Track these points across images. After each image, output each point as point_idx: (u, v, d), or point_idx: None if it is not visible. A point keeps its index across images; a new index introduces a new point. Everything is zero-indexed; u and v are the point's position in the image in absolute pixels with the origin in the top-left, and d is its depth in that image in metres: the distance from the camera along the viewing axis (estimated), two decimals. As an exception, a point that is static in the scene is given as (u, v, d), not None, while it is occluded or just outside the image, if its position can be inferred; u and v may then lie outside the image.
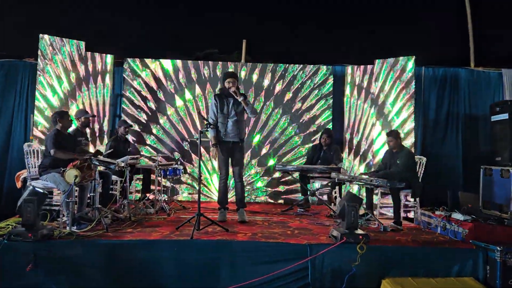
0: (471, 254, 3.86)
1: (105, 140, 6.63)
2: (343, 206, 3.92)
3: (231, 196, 5.98)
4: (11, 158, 6.51)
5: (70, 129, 4.95)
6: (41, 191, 3.91)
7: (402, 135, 6.27)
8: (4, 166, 6.47)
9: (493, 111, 6.23)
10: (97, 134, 6.66)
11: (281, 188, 6.89)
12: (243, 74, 6.94)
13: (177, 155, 6.72)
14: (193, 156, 6.86)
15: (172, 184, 6.64)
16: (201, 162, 4.65)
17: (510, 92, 6.72)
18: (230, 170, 5.13)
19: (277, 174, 6.86)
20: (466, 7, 7.08)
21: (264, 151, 6.94)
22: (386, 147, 5.68)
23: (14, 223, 4.29)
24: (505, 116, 5.94)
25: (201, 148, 4.72)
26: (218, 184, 5.15)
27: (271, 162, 6.88)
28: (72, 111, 6.14)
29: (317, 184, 6.29)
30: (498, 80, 6.88)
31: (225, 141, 4.96)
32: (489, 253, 3.80)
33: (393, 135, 5.27)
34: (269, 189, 6.88)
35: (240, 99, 4.87)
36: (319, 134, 6.37)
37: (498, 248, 3.72)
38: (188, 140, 6.85)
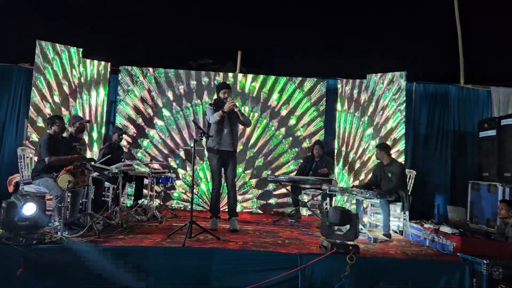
0: (458, 267, 3.92)
1: (97, 147, 6.65)
2: (340, 212, 3.94)
3: (223, 205, 6.00)
4: (1, 163, 6.47)
5: (65, 134, 4.96)
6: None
7: (392, 149, 6.39)
8: (-6, 170, 6.43)
9: (481, 128, 6.37)
10: (94, 139, 6.68)
11: (273, 200, 6.94)
12: (237, 84, 7.03)
13: (173, 161, 6.78)
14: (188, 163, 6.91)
15: (164, 191, 6.64)
16: (194, 169, 4.66)
17: (498, 109, 6.88)
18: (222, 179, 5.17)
19: (269, 187, 6.91)
20: (456, 25, 7.27)
21: (256, 162, 6.99)
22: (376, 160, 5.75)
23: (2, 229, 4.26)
24: (492, 132, 6.07)
25: (195, 156, 4.74)
26: (211, 193, 5.18)
27: (264, 173, 6.93)
28: (67, 117, 6.15)
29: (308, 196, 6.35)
30: (486, 97, 7.05)
31: (219, 150, 4.99)
32: (476, 266, 3.86)
33: (382, 148, 5.36)
34: (261, 201, 6.93)
35: (236, 109, 4.93)
36: (311, 145, 6.44)
37: (485, 261, 3.78)
38: (183, 148, 6.90)
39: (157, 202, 5.96)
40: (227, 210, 5.17)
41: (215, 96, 5.36)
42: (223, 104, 4.96)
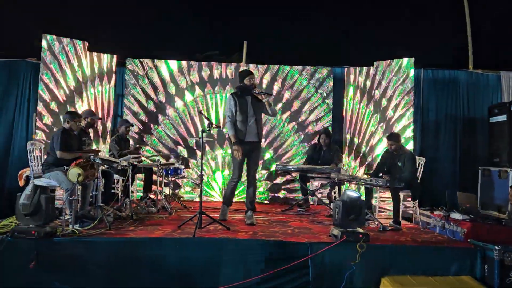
0: (469, 253, 3.91)
1: (104, 140, 6.68)
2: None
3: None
4: (12, 157, 6.52)
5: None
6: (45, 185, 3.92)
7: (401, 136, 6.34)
8: (6, 165, 6.48)
9: (491, 113, 6.29)
10: (99, 134, 6.70)
11: (281, 194, 6.94)
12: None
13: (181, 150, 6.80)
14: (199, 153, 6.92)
15: (173, 183, 6.66)
16: (202, 159, 4.66)
17: (508, 94, 6.78)
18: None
19: (278, 180, 6.92)
20: (465, 10, 7.13)
21: (267, 155, 6.98)
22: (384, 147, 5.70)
23: (17, 221, 4.31)
24: (503, 117, 6.00)
25: (204, 147, 4.73)
26: (228, 184, 5.06)
27: (269, 154, 6.94)
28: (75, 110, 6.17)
29: (316, 184, 6.33)
30: (496, 82, 6.94)
31: (245, 141, 4.81)
32: (487, 252, 3.84)
33: (394, 139, 5.28)
34: (271, 194, 6.93)
35: (265, 99, 4.78)
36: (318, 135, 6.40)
37: (496, 247, 3.76)
38: (189, 139, 6.91)
39: (166, 193, 5.98)
40: (244, 201, 5.10)
41: (228, 88, 5.35)
42: (246, 91, 4.83)
